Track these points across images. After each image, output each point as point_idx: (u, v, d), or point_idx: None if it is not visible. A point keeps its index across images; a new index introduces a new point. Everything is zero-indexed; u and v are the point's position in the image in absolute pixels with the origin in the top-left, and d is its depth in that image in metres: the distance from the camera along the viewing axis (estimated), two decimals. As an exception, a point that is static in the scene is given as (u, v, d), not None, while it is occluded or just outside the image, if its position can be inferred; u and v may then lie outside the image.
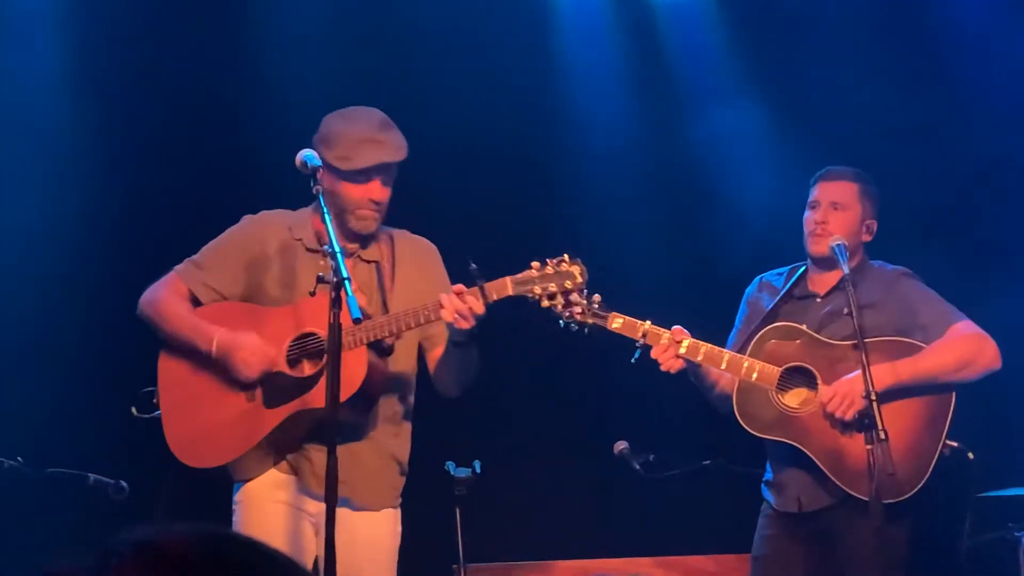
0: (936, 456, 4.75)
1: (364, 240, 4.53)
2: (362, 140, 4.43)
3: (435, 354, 4.56)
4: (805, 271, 5.10)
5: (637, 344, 4.73)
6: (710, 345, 4.80)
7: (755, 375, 4.77)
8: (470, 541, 5.20)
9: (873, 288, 4.98)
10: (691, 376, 4.87)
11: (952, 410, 4.80)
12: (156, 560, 1.11)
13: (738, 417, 4.83)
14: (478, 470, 5.13)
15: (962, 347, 4.85)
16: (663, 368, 4.74)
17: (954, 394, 4.82)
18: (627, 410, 6.21)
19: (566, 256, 4.36)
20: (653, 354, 4.74)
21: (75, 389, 5.98)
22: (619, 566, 5.91)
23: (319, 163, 4.25)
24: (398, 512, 4.56)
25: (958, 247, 6.05)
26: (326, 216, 4.14)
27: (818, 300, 5.02)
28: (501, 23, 6.46)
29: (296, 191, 4.45)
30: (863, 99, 6.38)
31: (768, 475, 5.05)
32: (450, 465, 5.14)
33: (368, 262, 4.55)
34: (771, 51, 6.60)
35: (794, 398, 4.82)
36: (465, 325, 4.24)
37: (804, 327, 4.88)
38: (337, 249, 4.02)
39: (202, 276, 4.54)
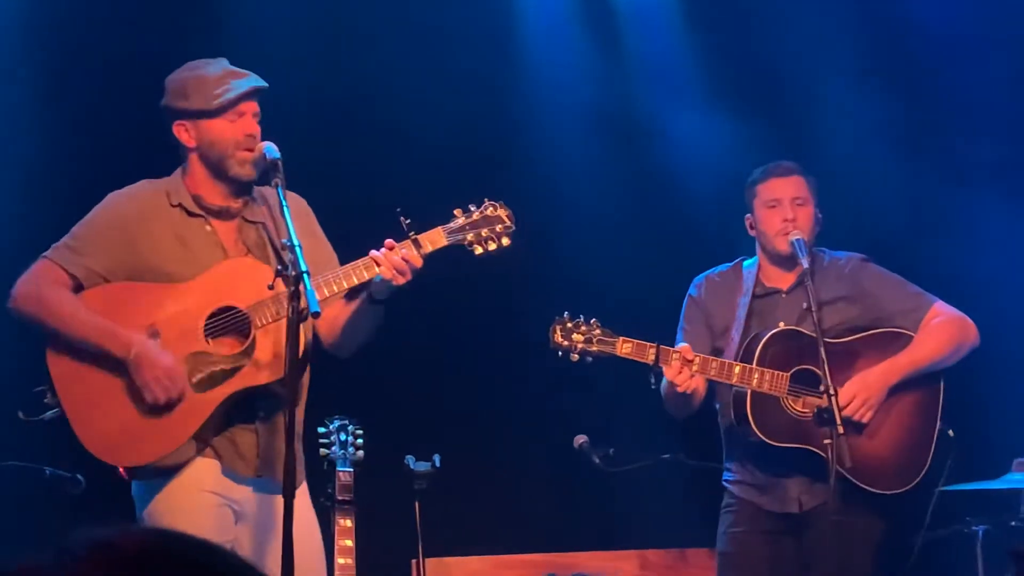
0: (934, 443, 4.87)
1: (245, 198, 4.36)
2: (224, 75, 4.33)
3: (326, 315, 4.29)
4: (757, 267, 5.11)
5: (654, 368, 4.70)
6: (719, 359, 4.81)
7: (766, 384, 4.79)
8: (429, 535, 5.19)
9: (838, 281, 5.01)
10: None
11: (942, 396, 4.94)
12: (112, 560, 1.10)
13: (756, 429, 4.81)
14: (438, 464, 5.12)
15: (950, 331, 4.96)
16: (680, 389, 4.72)
17: (942, 381, 4.95)
18: (587, 404, 6.21)
19: (486, 200, 4.37)
20: (668, 376, 4.71)
21: (30, 381, 5.91)
22: (578, 560, 5.92)
23: (277, 155, 4.19)
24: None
25: (920, 244, 6.08)
26: (285, 209, 4.04)
27: (784, 296, 5.03)
28: (462, 13, 6.43)
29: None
30: (825, 92, 6.40)
31: (736, 475, 5.05)
32: (409, 459, 5.12)
33: (254, 223, 4.37)
34: (734, 43, 6.60)
35: (801, 402, 4.83)
36: (403, 280, 4.17)
37: (802, 329, 4.89)
38: (296, 243, 3.96)
39: (83, 261, 4.25)
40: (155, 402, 4.12)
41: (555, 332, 4.73)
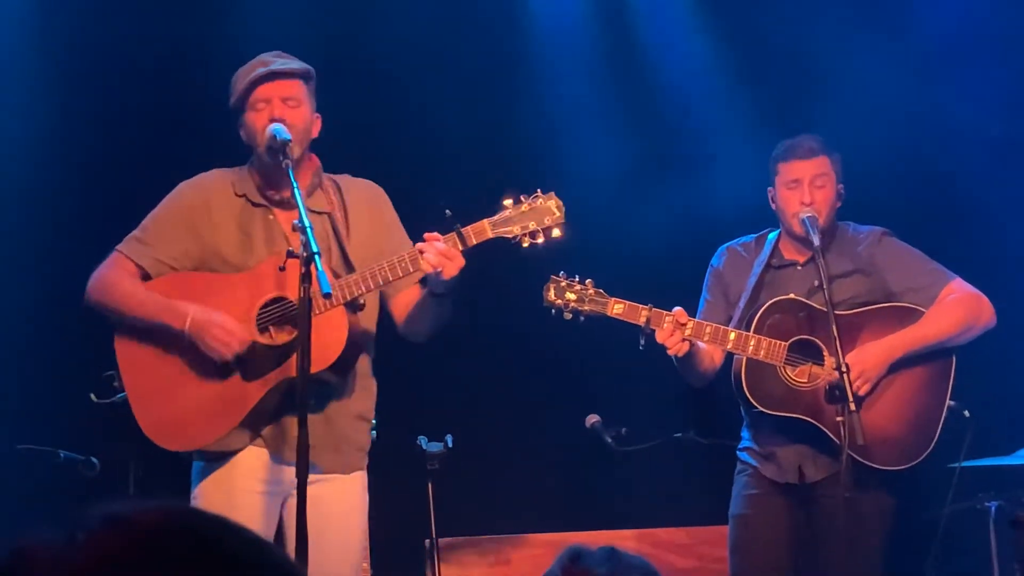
0: (942, 420, 4.85)
1: (309, 188, 4.38)
2: (254, 66, 4.37)
3: (400, 301, 4.40)
4: (777, 239, 5.11)
5: (644, 330, 4.70)
6: (714, 324, 4.80)
7: (762, 352, 4.78)
8: (442, 515, 5.21)
9: (854, 254, 5.01)
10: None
11: (953, 373, 4.90)
12: (126, 535, 1.10)
13: (748, 396, 4.83)
14: (450, 444, 5.13)
15: (962, 309, 4.92)
16: (671, 352, 4.70)
17: (954, 357, 4.91)
18: (598, 383, 6.22)
19: (539, 191, 4.24)
20: (659, 339, 4.68)
21: (46, 365, 5.94)
22: (591, 539, 5.92)
23: (287, 137, 4.19)
24: (365, 474, 4.43)
25: (926, 214, 6.07)
26: (296, 191, 4.05)
27: (799, 268, 5.03)
28: (472, 7, 6.44)
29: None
30: (833, 70, 6.39)
31: (748, 443, 5.05)
32: (422, 440, 5.14)
33: (318, 213, 4.38)
34: (742, 22, 6.60)
35: (802, 373, 4.83)
36: (449, 274, 4.13)
37: (806, 299, 4.88)
38: (307, 224, 3.95)
39: (150, 252, 4.36)
40: (223, 360, 4.19)
41: (549, 290, 4.71)
